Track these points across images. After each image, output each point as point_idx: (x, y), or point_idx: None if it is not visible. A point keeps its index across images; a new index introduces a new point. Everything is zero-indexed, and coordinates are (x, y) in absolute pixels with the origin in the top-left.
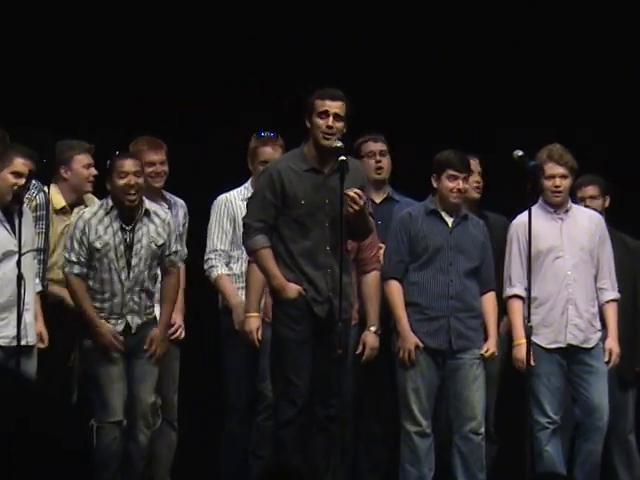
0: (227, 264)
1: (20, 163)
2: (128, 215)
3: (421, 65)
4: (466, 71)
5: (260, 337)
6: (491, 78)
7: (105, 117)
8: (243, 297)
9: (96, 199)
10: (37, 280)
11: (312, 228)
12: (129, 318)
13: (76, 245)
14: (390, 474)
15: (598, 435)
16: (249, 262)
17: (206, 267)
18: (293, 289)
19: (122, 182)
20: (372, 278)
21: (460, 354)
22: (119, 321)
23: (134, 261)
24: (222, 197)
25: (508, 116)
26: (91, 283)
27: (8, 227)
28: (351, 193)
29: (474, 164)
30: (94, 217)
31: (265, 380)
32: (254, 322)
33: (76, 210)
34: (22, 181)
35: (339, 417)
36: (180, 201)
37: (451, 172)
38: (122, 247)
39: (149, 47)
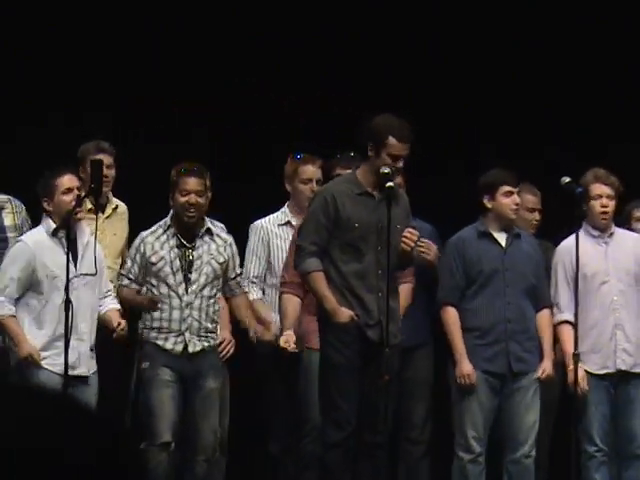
0: (263, 291)
1: (67, 179)
2: (188, 233)
3: (422, 64)
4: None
5: (295, 347)
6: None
7: (104, 117)
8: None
9: (121, 203)
10: (111, 300)
11: (365, 252)
12: (187, 336)
13: (129, 262)
14: None
15: (638, 463)
16: (281, 294)
17: None
18: (345, 314)
19: (183, 200)
20: (404, 288)
21: (519, 378)
22: (178, 339)
23: (193, 277)
24: (257, 223)
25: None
26: None
27: (70, 254)
28: (409, 234)
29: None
30: (151, 235)
31: (309, 406)
32: (290, 336)
33: (108, 210)
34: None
35: (386, 444)
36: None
37: (507, 188)
38: (178, 262)
39: (149, 47)
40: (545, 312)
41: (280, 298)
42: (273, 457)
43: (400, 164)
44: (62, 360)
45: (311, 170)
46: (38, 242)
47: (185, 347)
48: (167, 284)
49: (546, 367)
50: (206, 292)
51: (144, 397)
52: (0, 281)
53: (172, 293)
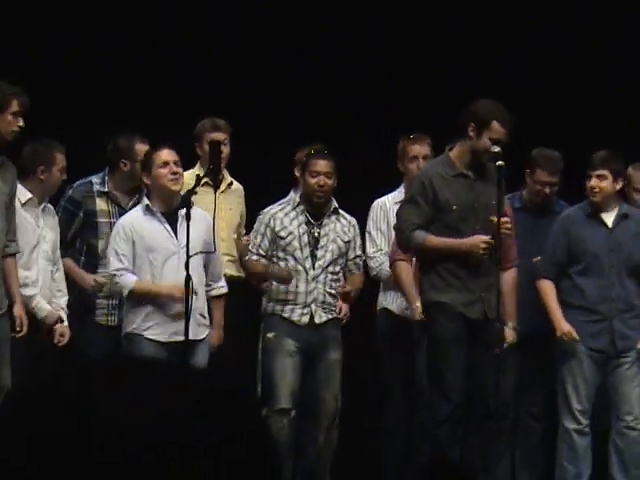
0: None
1: (165, 153)
2: (316, 211)
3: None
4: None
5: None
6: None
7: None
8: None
9: (235, 181)
10: (219, 282)
11: (464, 232)
12: (313, 308)
13: (258, 238)
14: (547, 471)
15: None
16: (391, 264)
17: (375, 265)
18: (475, 238)
19: (313, 181)
20: (510, 275)
21: (622, 354)
22: (304, 311)
23: (319, 253)
24: (378, 201)
25: None
26: None
27: (169, 227)
28: (508, 224)
29: None
30: (280, 211)
31: (424, 377)
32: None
33: (223, 186)
34: (177, 169)
35: (497, 415)
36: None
37: (589, 172)
38: (306, 237)
39: (151, 48)
40: None
41: (394, 269)
42: (386, 429)
43: (499, 149)
44: (163, 330)
45: (417, 149)
46: (134, 219)
47: (311, 318)
48: (295, 258)
49: None
50: (330, 268)
51: (267, 364)
52: (111, 262)
53: (299, 267)
